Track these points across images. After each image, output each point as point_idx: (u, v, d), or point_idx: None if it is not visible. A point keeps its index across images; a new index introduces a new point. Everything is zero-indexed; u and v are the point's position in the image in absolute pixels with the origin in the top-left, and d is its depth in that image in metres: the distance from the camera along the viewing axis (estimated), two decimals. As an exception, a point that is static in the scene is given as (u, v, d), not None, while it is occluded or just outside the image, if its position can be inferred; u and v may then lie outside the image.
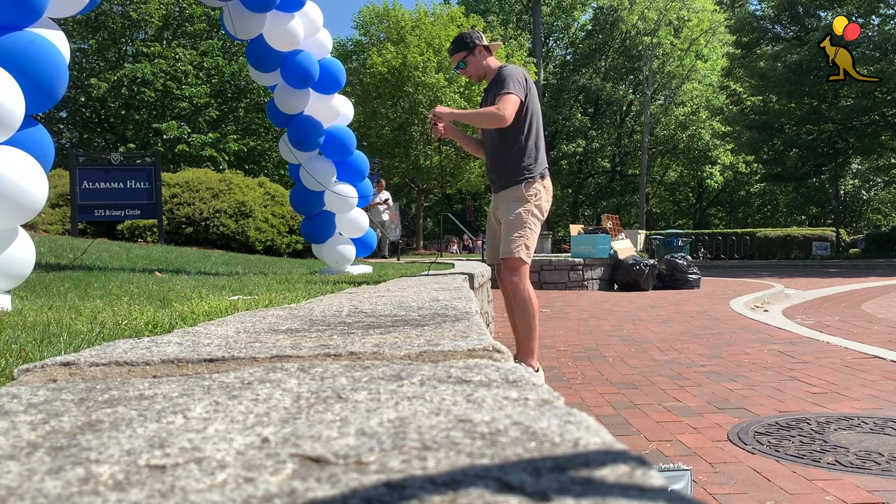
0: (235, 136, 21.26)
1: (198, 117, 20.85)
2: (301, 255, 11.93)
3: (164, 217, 10.95)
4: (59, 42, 2.92)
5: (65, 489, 0.58)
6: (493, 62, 3.73)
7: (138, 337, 1.62)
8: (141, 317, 2.16)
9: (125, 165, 10.94)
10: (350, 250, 5.66)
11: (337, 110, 5.51)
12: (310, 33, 5.20)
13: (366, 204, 6.03)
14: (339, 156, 5.50)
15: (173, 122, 20.07)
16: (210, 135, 20.41)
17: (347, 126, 5.71)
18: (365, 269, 5.92)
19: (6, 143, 2.46)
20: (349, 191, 5.49)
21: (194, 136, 20.04)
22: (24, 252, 2.61)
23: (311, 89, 5.26)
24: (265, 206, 12.24)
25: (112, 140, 21.99)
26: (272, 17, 4.89)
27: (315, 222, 5.58)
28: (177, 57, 21.01)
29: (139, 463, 0.64)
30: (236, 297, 2.90)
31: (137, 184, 10.61)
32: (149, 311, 2.34)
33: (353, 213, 5.57)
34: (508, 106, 3.42)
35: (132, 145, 20.12)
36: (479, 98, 21.60)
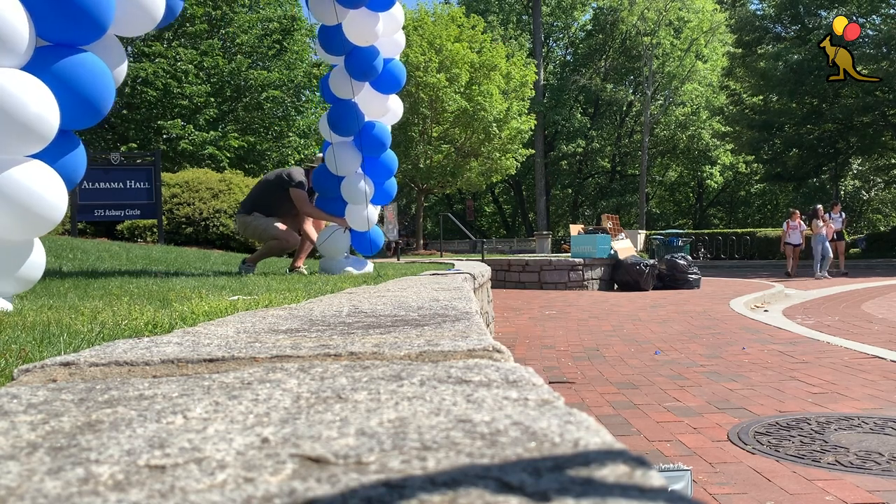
0: (236, 135, 21.27)
1: (197, 116, 20.87)
2: (301, 255, 11.92)
3: (163, 217, 10.95)
4: (117, 59, 2.93)
5: (65, 489, 0.58)
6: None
7: (138, 337, 1.62)
8: (141, 317, 2.16)
9: (125, 165, 10.94)
10: (344, 245, 5.56)
11: (387, 108, 5.43)
12: (388, 32, 5.15)
13: (387, 202, 5.86)
14: (372, 151, 5.40)
15: (177, 119, 20.09)
16: (210, 133, 20.42)
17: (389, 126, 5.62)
18: (366, 266, 5.80)
19: (42, 156, 2.48)
20: (365, 185, 5.39)
21: (195, 133, 20.05)
22: (35, 257, 2.63)
23: (368, 84, 5.20)
24: (265, 206, 12.23)
25: (113, 140, 21.99)
26: (357, 11, 4.85)
27: (326, 204, 5.54)
28: (177, 56, 21.02)
29: (139, 463, 0.64)
30: (236, 297, 2.90)
31: (137, 184, 10.61)
32: (149, 311, 2.34)
33: (363, 207, 5.44)
34: None
35: (133, 145, 20.12)
36: (479, 98, 21.65)
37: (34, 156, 2.45)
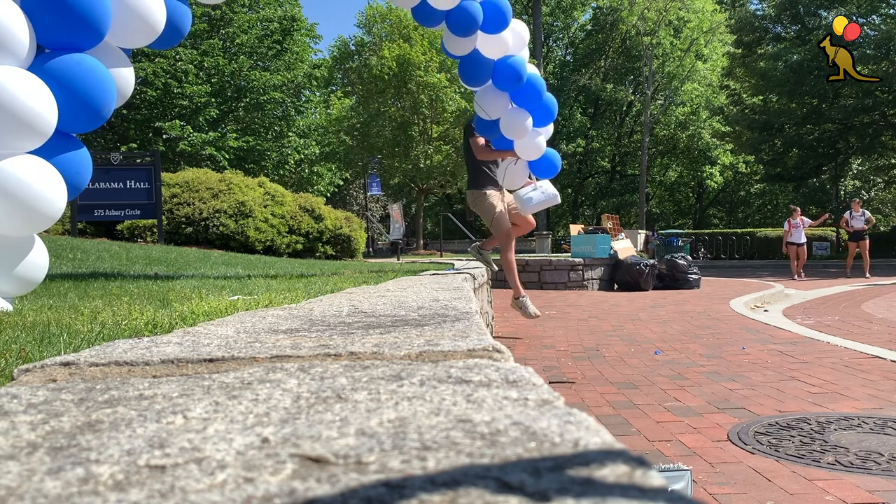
0: (235, 135, 21.27)
1: (198, 116, 20.87)
2: (301, 255, 11.94)
3: (163, 217, 10.95)
4: (122, 68, 2.92)
5: (65, 489, 0.58)
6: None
7: (138, 337, 1.62)
8: (141, 317, 2.16)
9: (125, 165, 10.94)
10: (522, 176, 5.56)
11: (505, 43, 5.16)
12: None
13: (551, 119, 5.63)
14: (509, 85, 5.20)
15: (177, 120, 20.10)
16: (210, 133, 20.42)
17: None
18: (550, 190, 5.67)
19: (43, 154, 2.48)
20: (521, 115, 5.25)
21: (195, 134, 20.06)
22: (38, 257, 2.62)
23: (480, 30, 5.07)
24: (265, 206, 12.24)
25: (113, 139, 21.99)
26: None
27: (497, 143, 5.53)
28: (177, 56, 21.02)
29: (139, 463, 0.64)
30: (236, 297, 2.90)
31: (137, 184, 10.61)
32: (148, 311, 2.34)
33: (527, 137, 5.32)
34: None
35: (133, 145, 20.12)
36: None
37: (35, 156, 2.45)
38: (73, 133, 2.70)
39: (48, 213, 2.44)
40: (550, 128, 5.60)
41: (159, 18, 2.98)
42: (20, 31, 2.34)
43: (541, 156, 5.51)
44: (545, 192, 5.65)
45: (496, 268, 5.99)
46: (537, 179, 5.70)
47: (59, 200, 2.47)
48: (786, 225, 14.55)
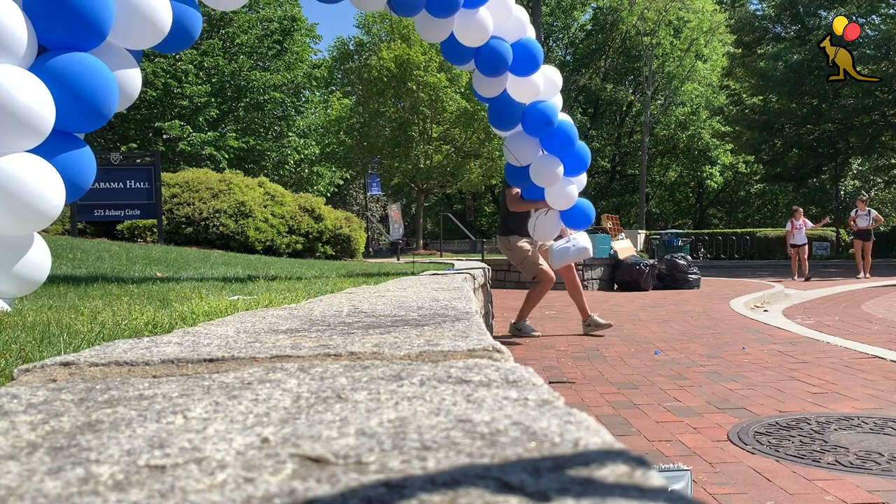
0: (235, 135, 21.27)
1: (197, 116, 20.87)
2: (301, 255, 11.93)
3: (163, 217, 10.95)
4: (127, 70, 2.92)
5: (64, 489, 0.58)
6: None
7: (138, 337, 1.62)
8: (141, 317, 2.16)
9: (125, 165, 10.93)
10: (553, 227, 5.40)
11: (537, 87, 5.00)
12: (503, 18, 4.80)
13: (583, 169, 5.45)
14: (538, 130, 5.08)
15: (176, 120, 20.09)
16: (209, 133, 20.42)
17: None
18: (583, 243, 5.47)
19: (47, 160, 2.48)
20: (552, 163, 5.13)
21: (194, 134, 20.06)
22: (39, 257, 2.62)
23: (509, 72, 4.95)
24: (265, 206, 12.23)
25: (113, 139, 21.99)
26: (460, 16, 4.60)
27: (528, 193, 5.44)
28: (177, 56, 21.01)
29: (139, 463, 0.64)
30: (236, 297, 2.90)
31: (137, 184, 10.60)
32: (148, 311, 2.34)
33: (557, 185, 5.19)
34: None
35: (133, 144, 20.12)
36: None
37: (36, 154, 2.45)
38: (74, 132, 2.70)
39: (46, 211, 2.43)
40: (583, 178, 5.45)
41: (165, 19, 2.96)
42: (19, 29, 2.33)
43: (572, 206, 5.35)
44: (576, 244, 5.50)
45: (539, 333, 5.79)
46: (570, 231, 5.56)
47: (56, 199, 2.46)
48: (788, 225, 14.34)
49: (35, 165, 2.41)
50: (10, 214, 2.36)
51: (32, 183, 2.37)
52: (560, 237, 5.60)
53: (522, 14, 4.97)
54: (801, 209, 14.59)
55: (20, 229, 2.48)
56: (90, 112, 2.60)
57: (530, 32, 5.01)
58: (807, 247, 14.15)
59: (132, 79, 3.01)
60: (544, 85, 5.06)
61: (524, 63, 4.88)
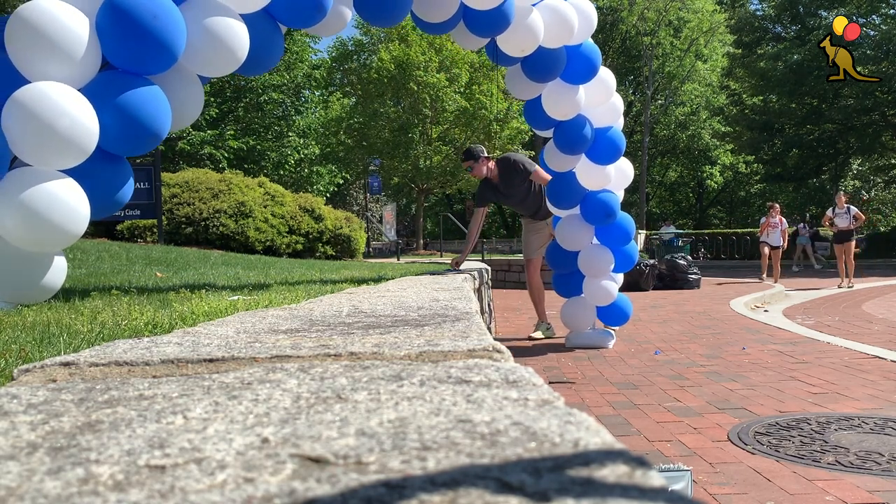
0: (235, 134, 21.26)
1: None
2: (301, 255, 11.93)
3: (163, 217, 10.95)
4: (193, 94, 2.89)
5: (64, 489, 0.58)
6: (492, 164, 5.45)
7: (138, 337, 1.62)
8: (141, 317, 2.16)
9: (125, 165, 10.92)
10: (588, 317, 5.14)
11: (607, 178, 4.83)
12: (596, 102, 4.69)
13: (629, 268, 5.20)
14: (599, 220, 4.90)
15: None
16: (209, 132, 20.40)
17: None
18: (610, 340, 5.16)
19: (88, 179, 2.50)
20: (603, 255, 4.92)
21: (194, 133, 20.04)
22: (57, 267, 2.68)
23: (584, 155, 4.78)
24: (265, 206, 12.24)
25: (112, 140, 21.96)
26: (553, 84, 4.51)
27: (562, 279, 5.22)
28: (177, 57, 21.00)
29: (139, 463, 0.64)
30: (236, 297, 2.90)
31: (137, 184, 10.57)
32: (148, 311, 2.34)
33: (602, 279, 4.96)
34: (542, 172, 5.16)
35: (132, 145, 20.09)
36: (480, 96, 21.65)
37: (75, 173, 2.47)
38: (120, 155, 2.71)
39: (73, 232, 2.52)
40: (620, 277, 5.23)
41: (242, 46, 2.81)
42: (78, 42, 2.36)
43: (611, 303, 5.11)
44: (602, 331, 5.24)
45: (555, 334, 5.64)
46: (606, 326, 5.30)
47: (82, 221, 2.52)
48: (762, 220, 12.83)
49: (67, 190, 2.44)
50: (40, 236, 2.44)
51: (63, 209, 2.42)
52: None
53: (618, 102, 4.83)
54: (778, 206, 13.09)
55: (48, 249, 2.55)
56: (138, 140, 2.62)
57: (619, 124, 4.85)
58: (780, 251, 12.61)
59: (195, 102, 2.95)
60: (616, 177, 4.90)
61: (604, 153, 4.72)
